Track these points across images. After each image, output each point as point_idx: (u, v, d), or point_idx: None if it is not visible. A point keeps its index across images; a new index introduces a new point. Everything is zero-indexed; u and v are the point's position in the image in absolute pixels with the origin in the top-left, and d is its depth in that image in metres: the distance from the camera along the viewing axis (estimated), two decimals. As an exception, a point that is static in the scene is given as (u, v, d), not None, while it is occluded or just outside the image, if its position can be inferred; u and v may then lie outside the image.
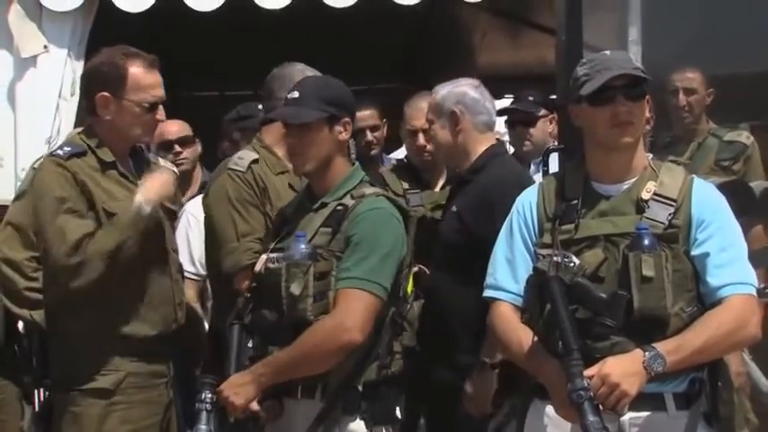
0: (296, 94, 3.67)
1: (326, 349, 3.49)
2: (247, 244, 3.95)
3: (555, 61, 3.90)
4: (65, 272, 3.73)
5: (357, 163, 3.80)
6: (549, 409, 3.30)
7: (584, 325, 3.22)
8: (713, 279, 3.25)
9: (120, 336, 3.82)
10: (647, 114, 3.41)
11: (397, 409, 3.66)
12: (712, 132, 5.16)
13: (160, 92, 3.91)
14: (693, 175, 3.40)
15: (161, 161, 4.18)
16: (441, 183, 4.97)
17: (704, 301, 3.27)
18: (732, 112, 5.15)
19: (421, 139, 4.90)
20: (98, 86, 3.86)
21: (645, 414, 3.27)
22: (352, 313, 3.49)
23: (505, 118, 5.72)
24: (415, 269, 3.78)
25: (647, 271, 3.20)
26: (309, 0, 5.60)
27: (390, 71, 9.35)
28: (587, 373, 3.13)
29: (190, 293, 4.49)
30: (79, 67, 5.32)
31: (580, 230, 3.31)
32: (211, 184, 4.21)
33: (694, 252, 3.28)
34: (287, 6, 5.67)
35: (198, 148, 5.54)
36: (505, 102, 6.09)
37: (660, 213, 3.28)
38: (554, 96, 5.06)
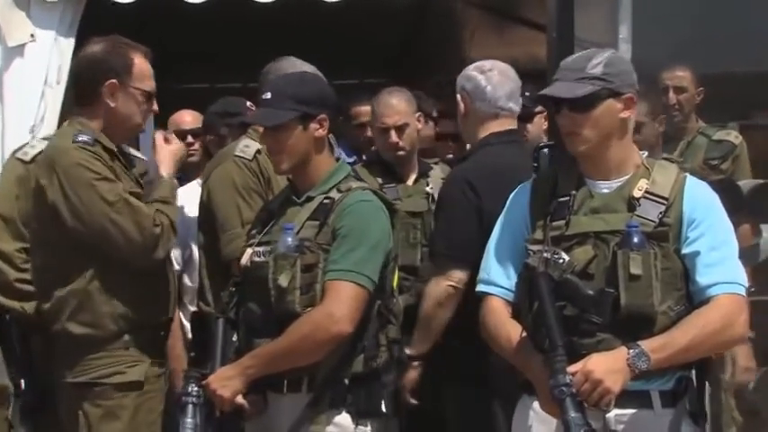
0: (268, 95, 3.67)
1: (315, 340, 3.49)
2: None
3: (546, 58, 3.89)
4: (151, 242, 3.79)
5: (342, 157, 3.79)
6: (536, 404, 3.31)
7: (571, 322, 3.22)
8: (702, 278, 3.25)
9: (138, 326, 3.85)
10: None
11: (383, 402, 3.66)
12: (701, 131, 5.18)
13: (154, 83, 3.97)
14: (687, 174, 3.39)
15: (132, 151, 4.20)
16: (413, 177, 4.97)
17: (693, 299, 3.27)
18: (723, 110, 5.16)
19: (393, 136, 4.87)
20: (106, 74, 3.87)
21: (630, 411, 3.27)
22: (340, 304, 3.49)
23: None
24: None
25: (635, 269, 3.20)
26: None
27: (381, 66, 9.33)
28: (571, 369, 3.13)
29: None
30: (67, 55, 5.33)
31: (571, 227, 3.32)
32: (213, 170, 4.19)
33: (684, 250, 3.27)
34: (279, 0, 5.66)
35: (197, 145, 5.50)
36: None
37: (651, 211, 3.28)
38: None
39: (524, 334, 3.31)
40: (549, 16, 3.86)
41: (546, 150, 3.87)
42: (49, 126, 5.26)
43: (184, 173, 5.45)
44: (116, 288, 3.82)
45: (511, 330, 3.35)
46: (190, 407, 3.59)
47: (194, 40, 7.82)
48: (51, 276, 3.89)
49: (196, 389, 3.60)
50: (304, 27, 7.25)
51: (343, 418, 3.56)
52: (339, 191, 3.62)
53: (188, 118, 5.51)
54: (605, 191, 3.35)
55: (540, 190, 3.43)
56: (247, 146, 4.18)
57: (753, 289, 3.44)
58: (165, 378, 4.02)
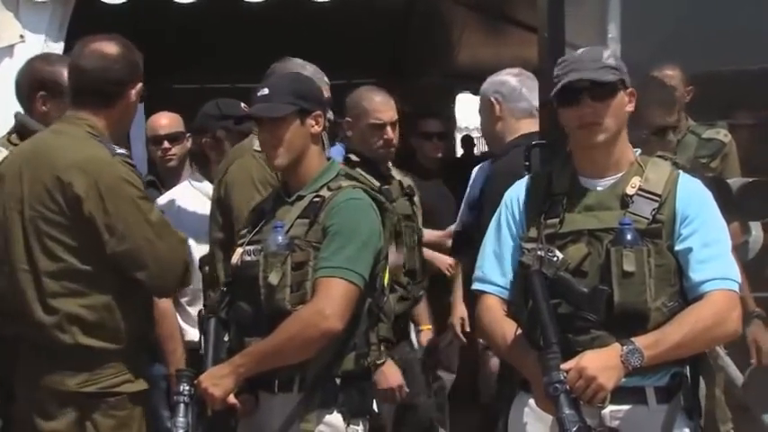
0: (266, 91, 3.69)
1: (306, 337, 3.49)
2: None
3: (537, 58, 3.90)
4: (181, 270, 3.73)
5: (333, 157, 3.80)
6: (532, 401, 3.32)
7: (565, 319, 3.23)
8: (695, 274, 3.27)
9: (141, 337, 3.80)
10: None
11: (374, 402, 3.66)
12: (691, 130, 5.17)
13: None
14: (680, 171, 3.41)
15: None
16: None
17: (687, 295, 3.28)
18: (711, 109, 5.17)
19: (389, 132, 4.86)
20: (137, 75, 3.79)
21: (626, 407, 3.28)
22: (331, 301, 3.49)
23: None
24: None
25: (628, 266, 3.22)
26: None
27: (370, 66, 9.34)
28: (565, 366, 3.15)
29: None
30: (57, 50, 5.27)
31: (565, 225, 3.33)
32: (229, 166, 4.20)
33: (678, 247, 3.29)
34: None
35: (187, 144, 5.43)
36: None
37: (644, 208, 3.29)
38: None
39: (519, 332, 3.32)
40: (540, 16, 3.86)
41: (538, 149, 3.89)
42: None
43: (159, 178, 5.41)
44: (135, 304, 3.74)
45: (506, 328, 3.36)
46: (182, 406, 3.59)
47: (184, 41, 7.82)
48: (61, 287, 3.70)
49: (188, 388, 3.60)
50: (292, 27, 7.26)
51: (335, 418, 3.55)
52: (330, 189, 3.63)
53: (164, 121, 5.40)
54: (599, 188, 3.37)
55: (534, 188, 3.44)
56: None
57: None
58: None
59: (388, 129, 4.85)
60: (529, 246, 3.34)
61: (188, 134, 5.45)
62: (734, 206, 4.48)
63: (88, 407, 3.70)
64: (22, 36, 5.38)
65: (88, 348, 3.69)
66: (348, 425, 3.56)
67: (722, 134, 5.14)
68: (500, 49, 8.50)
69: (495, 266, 3.45)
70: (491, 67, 8.08)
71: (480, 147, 11.79)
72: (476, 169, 5.47)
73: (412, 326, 5.22)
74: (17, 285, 3.71)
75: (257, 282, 3.55)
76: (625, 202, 3.32)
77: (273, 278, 3.51)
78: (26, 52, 5.35)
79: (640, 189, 3.32)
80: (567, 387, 3.11)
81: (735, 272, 3.31)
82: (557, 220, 3.34)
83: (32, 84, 4.10)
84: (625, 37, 4.57)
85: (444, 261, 5.93)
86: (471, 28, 8.37)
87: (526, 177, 3.53)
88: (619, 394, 3.20)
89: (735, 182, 4.81)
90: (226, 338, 3.68)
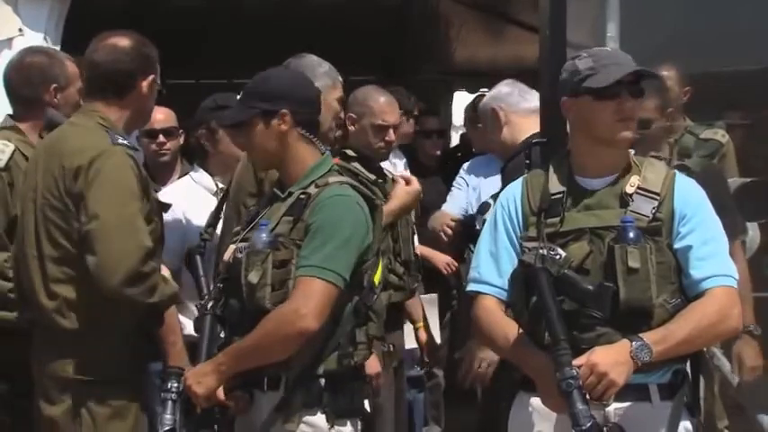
0: (239, 96, 3.70)
1: (282, 336, 3.47)
2: None
3: (538, 56, 3.90)
4: (125, 274, 3.61)
5: (327, 152, 3.75)
6: (535, 400, 3.33)
7: (570, 316, 3.24)
8: (696, 271, 3.30)
9: (138, 330, 3.82)
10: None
11: (366, 402, 3.64)
12: (689, 130, 5.16)
13: None
14: (675, 171, 3.44)
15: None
16: None
17: (687, 293, 3.31)
18: (710, 109, 5.17)
19: (392, 134, 4.90)
20: (150, 67, 3.85)
21: (629, 404, 3.30)
22: (307, 300, 3.45)
23: None
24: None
25: (633, 262, 3.24)
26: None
27: (367, 63, 9.33)
28: (575, 362, 3.16)
29: None
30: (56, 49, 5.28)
31: (566, 223, 3.34)
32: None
33: (677, 245, 3.32)
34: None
35: (180, 140, 5.45)
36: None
37: (644, 207, 3.32)
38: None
39: (521, 331, 3.32)
40: (542, 14, 3.86)
41: (538, 147, 3.90)
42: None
43: (150, 173, 5.38)
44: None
45: (507, 328, 3.36)
46: (169, 403, 3.60)
47: (180, 36, 7.80)
48: (62, 273, 3.76)
49: (176, 385, 3.61)
50: (288, 23, 7.24)
51: (318, 419, 3.52)
52: (317, 186, 3.59)
53: (160, 116, 5.35)
54: (597, 187, 3.38)
55: (531, 187, 3.45)
56: None
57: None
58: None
59: (391, 131, 4.89)
60: (530, 245, 3.34)
61: (181, 130, 5.46)
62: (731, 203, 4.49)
63: (84, 394, 3.74)
64: (20, 30, 5.38)
65: (85, 334, 3.72)
66: (332, 426, 3.51)
67: (720, 134, 5.14)
68: (497, 48, 8.49)
69: (491, 267, 3.44)
70: (488, 65, 8.13)
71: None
72: (467, 164, 5.52)
73: (410, 325, 5.23)
74: (28, 271, 3.80)
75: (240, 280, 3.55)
76: (625, 200, 3.34)
77: (253, 277, 3.50)
78: (25, 46, 5.35)
79: (639, 188, 3.34)
80: (580, 383, 3.12)
81: (733, 268, 3.35)
82: (557, 218, 3.35)
83: (44, 76, 4.24)
84: (624, 37, 4.57)
85: (442, 259, 5.94)
86: (468, 26, 8.35)
87: (521, 177, 3.53)
88: (622, 391, 3.21)
89: (733, 182, 4.81)
90: (223, 335, 3.67)
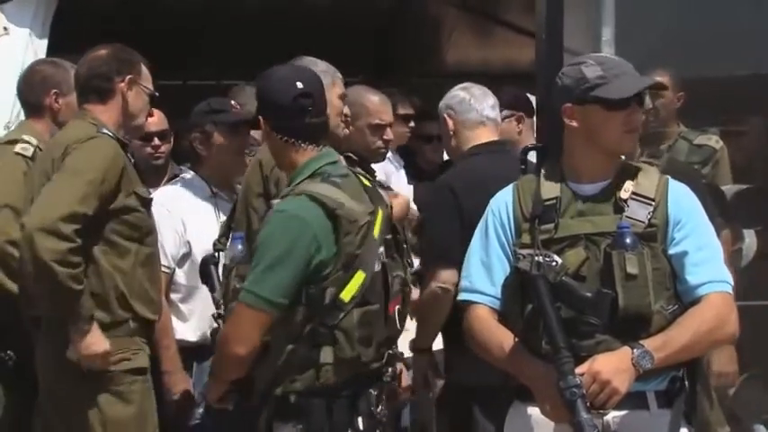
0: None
1: (220, 358, 3.55)
2: None
3: (535, 60, 3.86)
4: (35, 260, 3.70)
5: (314, 156, 3.60)
6: (532, 410, 3.28)
7: (568, 324, 3.20)
8: (691, 277, 3.27)
9: (139, 316, 3.94)
10: None
11: (359, 420, 3.49)
12: (682, 135, 5.12)
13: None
14: (668, 176, 3.42)
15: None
16: None
17: (682, 299, 3.29)
18: (704, 114, 5.13)
19: (389, 133, 4.87)
20: (126, 69, 4.04)
21: (627, 412, 3.26)
22: (231, 326, 3.47)
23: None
24: None
25: (632, 269, 3.20)
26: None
27: (359, 64, 9.28)
28: (577, 370, 3.13)
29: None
30: (41, 48, 5.26)
31: (560, 230, 3.30)
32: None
33: (671, 251, 3.29)
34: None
35: (171, 142, 5.40)
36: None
37: (640, 212, 3.29)
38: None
39: (517, 340, 3.28)
40: (538, 20, 3.82)
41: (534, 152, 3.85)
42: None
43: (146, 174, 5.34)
44: (118, 271, 3.88)
45: (502, 337, 3.32)
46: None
47: (167, 37, 7.74)
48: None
49: None
50: (280, 25, 7.19)
51: None
52: (285, 195, 3.52)
53: (155, 119, 5.23)
54: (590, 193, 3.35)
55: (523, 193, 3.41)
56: None
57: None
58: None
59: (389, 130, 4.88)
60: (524, 252, 3.29)
61: (171, 132, 5.42)
62: (727, 213, 4.45)
63: (87, 379, 3.83)
64: (5, 28, 5.32)
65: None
66: None
67: (714, 140, 5.11)
68: (488, 50, 8.48)
69: (483, 276, 3.40)
70: (480, 68, 8.09)
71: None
72: None
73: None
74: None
75: None
76: (619, 206, 3.31)
77: (218, 294, 3.59)
78: (10, 45, 5.30)
79: (634, 193, 3.32)
80: (584, 391, 3.09)
81: (728, 274, 3.33)
82: (551, 225, 3.31)
83: (46, 83, 4.48)
84: (619, 41, 4.54)
85: None
86: (460, 28, 8.33)
87: (512, 184, 3.48)
88: (620, 399, 3.18)
89: (728, 189, 4.78)
90: None
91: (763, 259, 4.82)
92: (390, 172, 5.90)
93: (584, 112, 3.32)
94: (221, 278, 3.76)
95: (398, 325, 3.62)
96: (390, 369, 3.62)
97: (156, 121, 5.30)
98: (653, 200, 3.30)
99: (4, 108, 5.24)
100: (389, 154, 5.55)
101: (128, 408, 3.89)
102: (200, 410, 4.13)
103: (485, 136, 4.58)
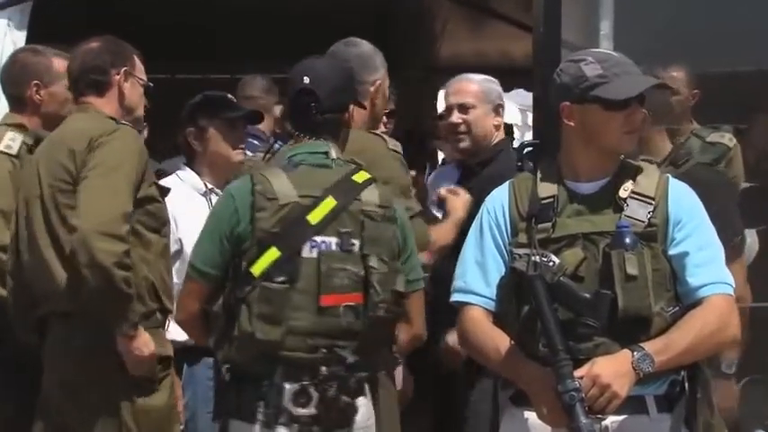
0: None
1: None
2: None
3: (532, 55, 3.81)
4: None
5: (288, 142, 3.66)
6: (528, 414, 3.22)
7: (565, 326, 3.14)
8: (693, 278, 3.22)
9: (165, 308, 3.95)
10: None
11: (258, 406, 3.44)
12: (695, 133, 5.02)
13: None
14: (668, 174, 3.37)
15: None
16: None
17: (683, 300, 3.23)
18: (707, 111, 5.05)
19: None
20: (120, 61, 4.05)
21: (626, 417, 3.19)
22: (178, 294, 3.70)
23: (518, 106, 5.76)
24: None
25: (631, 269, 3.14)
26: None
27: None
28: (576, 374, 3.07)
29: None
30: (20, 38, 5.20)
31: (558, 229, 3.24)
32: None
33: (672, 251, 3.24)
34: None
35: (144, 133, 5.33)
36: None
37: (639, 212, 3.24)
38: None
39: (512, 342, 3.22)
40: (536, 13, 3.78)
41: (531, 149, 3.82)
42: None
43: None
44: (145, 262, 3.87)
45: (497, 339, 3.25)
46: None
47: (154, 29, 7.67)
48: None
49: None
50: (272, 18, 7.13)
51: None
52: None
53: None
54: (588, 191, 3.29)
55: (519, 191, 3.35)
56: None
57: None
58: None
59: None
60: (521, 251, 3.23)
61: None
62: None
63: (107, 366, 3.82)
64: (-17, 19, 5.23)
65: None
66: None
67: (727, 138, 5.01)
68: (482, 44, 8.46)
69: (477, 276, 3.33)
70: (474, 62, 8.05)
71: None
72: (431, 177, 5.41)
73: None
74: (44, 263, 3.85)
75: None
76: (618, 205, 3.26)
77: None
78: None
79: (633, 192, 3.26)
80: (583, 395, 3.02)
81: (729, 276, 3.28)
82: (548, 224, 3.25)
83: (26, 73, 4.38)
84: (617, 35, 4.50)
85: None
86: (453, 21, 8.30)
87: (508, 182, 3.42)
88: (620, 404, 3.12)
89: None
90: None
91: (764, 259, 4.75)
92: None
93: (582, 111, 3.25)
94: None
95: (344, 322, 3.47)
96: (330, 370, 3.45)
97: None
98: (653, 199, 3.25)
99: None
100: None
101: (158, 395, 3.90)
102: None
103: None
